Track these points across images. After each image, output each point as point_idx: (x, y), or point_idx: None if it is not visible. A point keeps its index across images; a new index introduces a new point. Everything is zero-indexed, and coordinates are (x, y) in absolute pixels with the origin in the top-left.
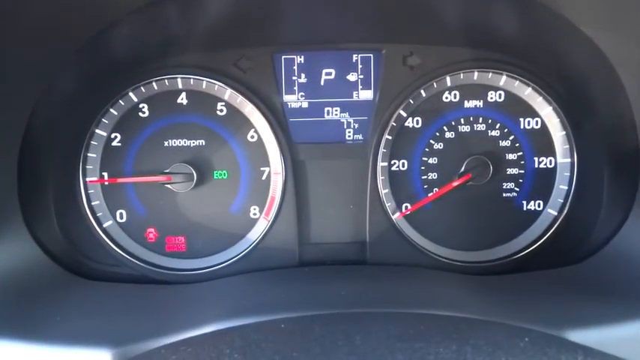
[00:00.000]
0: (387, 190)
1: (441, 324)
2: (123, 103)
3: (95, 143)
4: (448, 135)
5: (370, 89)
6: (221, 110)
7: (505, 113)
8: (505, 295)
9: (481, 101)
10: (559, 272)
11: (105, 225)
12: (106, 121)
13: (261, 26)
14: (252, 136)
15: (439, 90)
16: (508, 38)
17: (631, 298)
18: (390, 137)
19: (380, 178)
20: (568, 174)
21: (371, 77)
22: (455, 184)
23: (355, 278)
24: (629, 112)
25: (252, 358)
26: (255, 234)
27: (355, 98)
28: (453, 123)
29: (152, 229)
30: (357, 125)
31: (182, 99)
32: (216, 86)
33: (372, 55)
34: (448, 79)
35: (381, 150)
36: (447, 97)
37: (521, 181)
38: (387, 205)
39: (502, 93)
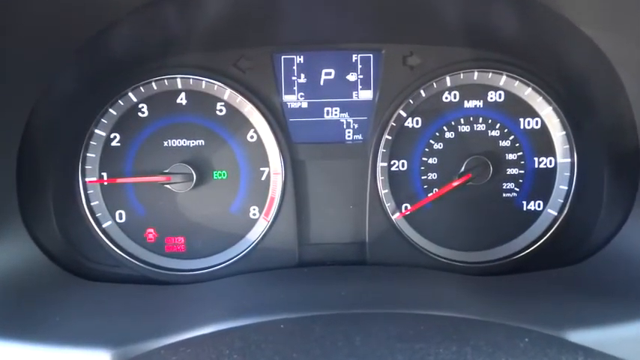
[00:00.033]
0: (386, 191)
1: (441, 325)
2: (122, 103)
3: (94, 143)
4: (448, 135)
5: (370, 89)
6: (220, 110)
7: (505, 113)
8: (505, 296)
9: (481, 101)
10: (559, 272)
11: (104, 225)
12: (106, 121)
13: (260, 26)
14: (252, 136)
15: (439, 90)
16: (508, 38)
17: (631, 299)
18: (389, 137)
19: (380, 178)
20: (568, 174)
21: (371, 77)
22: (455, 184)
23: (355, 279)
24: (629, 112)
25: (252, 359)
26: (255, 234)
27: (355, 98)
28: (453, 123)
29: (151, 230)
30: (356, 125)
31: (181, 99)
32: (216, 86)
33: (371, 55)
34: (448, 79)
35: (381, 150)
36: (446, 97)
37: (521, 181)
38: (386, 205)
39: (502, 93)
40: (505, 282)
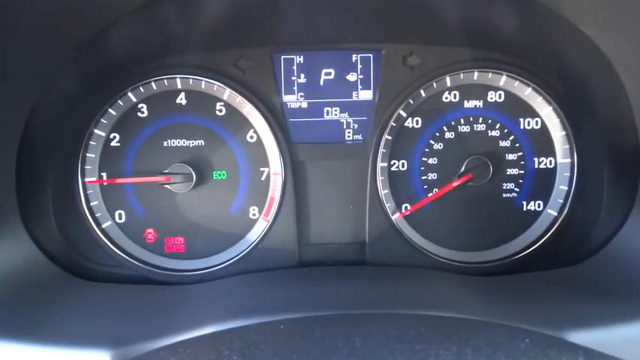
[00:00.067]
0: (386, 191)
1: (441, 325)
2: (122, 103)
3: (94, 143)
4: (448, 135)
5: (370, 89)
6: (220, 110)
7: (505, 113)
8: (505, 296)
9: (481, 101)
10: (559, 273)
11: (104, 225)
12: (105, 121)
13: (260, 26)
14: (252, 137)
15: (439, 90)
16: (508, 38)
17: (631, 299)
18: (389, 137)
19: (379, 178)
20: (568, 174)
21: (370, 77)
22: (455, 184)
23: (355, 279)
24: (629, 112)
25: None
26: (255, 234)
27: (355, 98)
28: (453, 123)
29: (151, 230)
30: (356, 125)
31: (181, 99)
32: (216, 86)
33: (371, 55)
34: (448, 79)
35: (381, 150)
36: (446, 97)
37: (521, 181)
38: (386, 205)
39: (502, 93)
40: (505, 282)
